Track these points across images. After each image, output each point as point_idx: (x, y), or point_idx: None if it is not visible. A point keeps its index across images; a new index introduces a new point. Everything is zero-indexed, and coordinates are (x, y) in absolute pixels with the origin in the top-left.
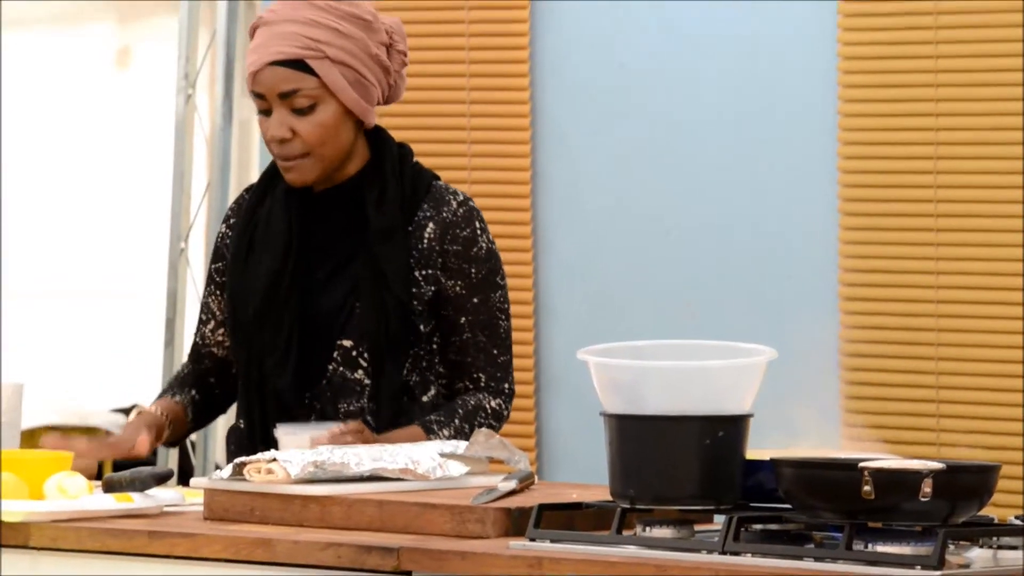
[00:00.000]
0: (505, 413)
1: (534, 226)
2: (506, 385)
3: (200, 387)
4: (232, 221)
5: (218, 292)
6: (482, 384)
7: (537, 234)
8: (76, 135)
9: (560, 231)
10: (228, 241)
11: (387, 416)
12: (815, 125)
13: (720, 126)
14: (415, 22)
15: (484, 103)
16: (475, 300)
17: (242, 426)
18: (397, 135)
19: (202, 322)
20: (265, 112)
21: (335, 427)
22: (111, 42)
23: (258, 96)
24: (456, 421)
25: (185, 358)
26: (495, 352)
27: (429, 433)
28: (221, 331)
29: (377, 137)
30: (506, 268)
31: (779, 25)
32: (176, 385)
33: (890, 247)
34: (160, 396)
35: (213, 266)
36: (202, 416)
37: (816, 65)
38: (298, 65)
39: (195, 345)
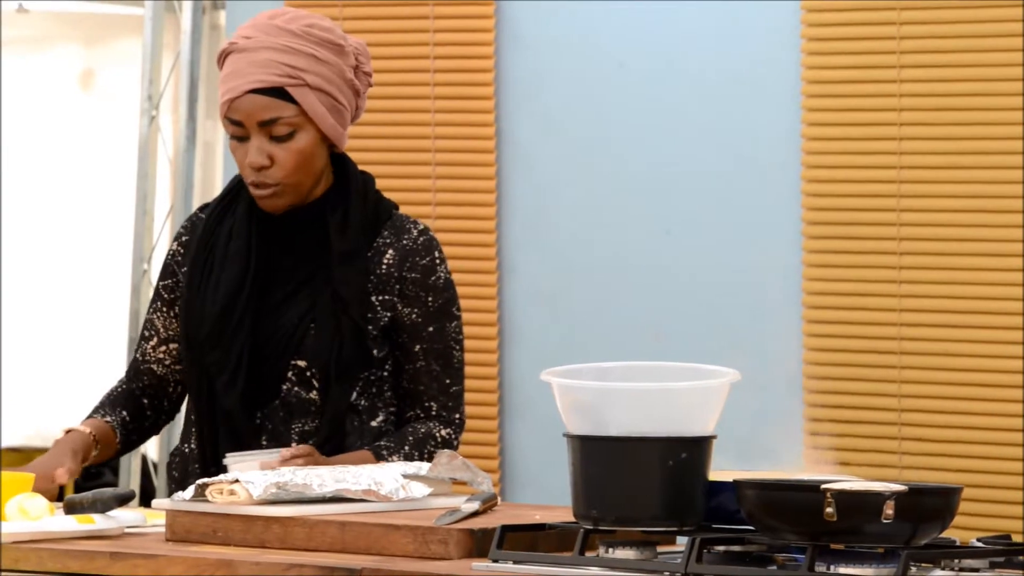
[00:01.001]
0: (455, 443)
1: (499, 248)
2: (457, 416)
3: (132, 408)
4: (185, 239)
5: (164, 309)
6: (433, 413)
7: (502, 256)
8: (40, 157)
9: (525, 253)
10: (179, 259)
11: (330, 437)
12: (779, 152)
13: (685, 151)
14: (379, 44)
15: (449, 125)
16: (431, 329)
17: (186, 450)
18: (361, 156)
19: (144, 338)
20: (240, 139)
21: (285, 451)
22: (75, 64)
23: (234, 123)
24: (406, 448)
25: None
26: (448, 382)
27: (378, 458)
28: (163, 349)
29: (340, 161)
30: (471, 290)
31: (742, 52)
32: (108, 404)
33: (853, 270)
34: (91, 415)
35: (161, 283)
36: (131, 438)
37: (779, 90)
38: (278, 93)
39: (135, 361)
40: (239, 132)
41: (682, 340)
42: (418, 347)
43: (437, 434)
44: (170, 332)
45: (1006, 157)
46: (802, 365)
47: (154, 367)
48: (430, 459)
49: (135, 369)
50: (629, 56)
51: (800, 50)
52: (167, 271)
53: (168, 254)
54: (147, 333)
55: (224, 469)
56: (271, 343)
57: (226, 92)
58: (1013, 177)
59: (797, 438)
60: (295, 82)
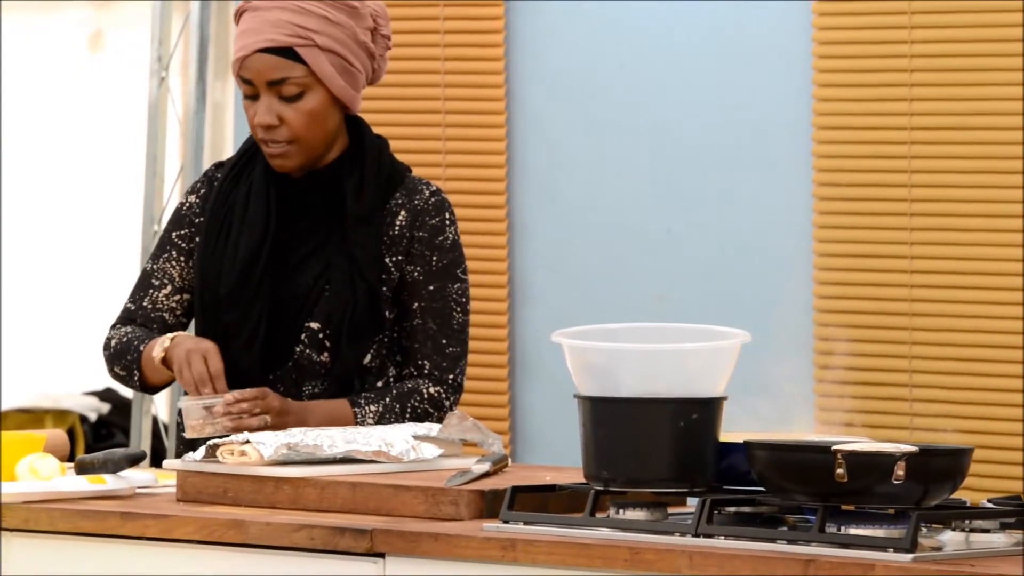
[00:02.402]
0: (446, 403)
1: (509, 210)
2: (451, 376)
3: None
4: (203, 192)
5: (182, 259)
6: (426, 371)
7: (512, 219)
8: (49, 119)
9: (535, 217)
10: (196, 211)
11: (338, 397)
12: (789, 111)
13: (695, 117)
14: (390, 4)
15: (459, 87)
16: (431, 287)
17: None
18: (371, 118)
19: (154, 287)
20: (251, 97)
21: (228, 395)
22: (84, 26)
23: (245, 82)
24: (387, 399)
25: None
26: (444, 342)
27: (355, 407)
28: (176, 298)
29: (355, 125)
30: (481, 251)
31: (755, 23)
32: (149, 338)
33: (864, 231)
34: (150, 339)
35: (176, 232)
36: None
37: (790, 62)
38: (287, 53)
39: (143, 310)
40: (250, 91)
41: (693, 302)
42: (416, 304)
43: (424, 390)
44: (186, 282)
45: (1019, 122)
46: (812, 327)
47: (165, 315)
48: (413, 414)
49: (145, 316)
50: (639, 24)
51: (812, 25)
52: (182, 222)
53: (182, 204)
54: (157, 282)
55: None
56: (286, 305)
57: (238, 50)
58: (1018, 138)
59: (808, 399)
60: (304, 42)
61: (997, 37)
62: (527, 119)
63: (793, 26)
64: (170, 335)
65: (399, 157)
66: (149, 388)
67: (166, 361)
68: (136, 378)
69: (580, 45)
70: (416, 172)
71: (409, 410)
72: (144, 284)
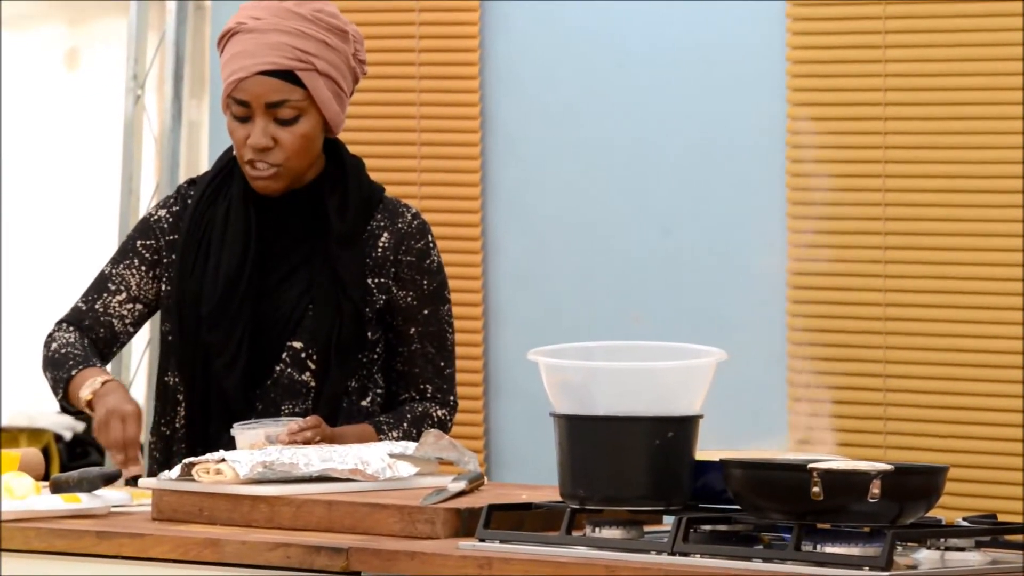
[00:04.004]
0: (449, 424)
1: (483, 229)
2: (451, 397)
3: (102, 359)
4: (175, 209)
5: (144, 269)
6: (428, 395)
7: (487, 238)
8: (25, 136)
9: (509, 236)
10: (164, 226)
11: (326, 418)
12: (763, 129)
13: (669, 135)
14: (366, 24)
15: (434, 105)
16: (425, 312)
17: (166, 431)
18: (346, 136)
19: (108, 291)
20: (242, 119)
21: (292, 424)
22: (60, 43)
23: (240, 103)
24: (405, 424)
25: (139, 358)
26: (442, 364)
27: (379, 432)
28: (129, 306)
29: (332, 145)
30: (456, 270)
31: (728, 31)
32: (91, 356)
33: (838, 250)
34: (88, 365)
35: (140, 242)
36: None
37: (764, 71)
38: (287, 76)
39: (94, 312)
40: (243, 112)
41: (667, 320)
42: (413, 329)
43: (434, 414)
44: (142, 292)
45: (995, 137)
46: (786, 344)
47: (115, 322)
48: None
49: (94, 319)
50: (611, 38)
51: (786, 29)
52: (148, 232)
53: (151, 216)
54: (113, 287)
55: (214, 446)
56: (269, 324)
57: (234, 72)
58: (1001, 157)
59: (782, 417)
60: (305, 66)
61: (972, 42)
62: (501, 139)
63: (766, 40)
64: (101, 378)
65: (375, 175)
66: (70, 411)
67: (90, 404)
68: (60, 396)
69: (555, 65)
70: (391, 190)
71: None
72: (99, 287)
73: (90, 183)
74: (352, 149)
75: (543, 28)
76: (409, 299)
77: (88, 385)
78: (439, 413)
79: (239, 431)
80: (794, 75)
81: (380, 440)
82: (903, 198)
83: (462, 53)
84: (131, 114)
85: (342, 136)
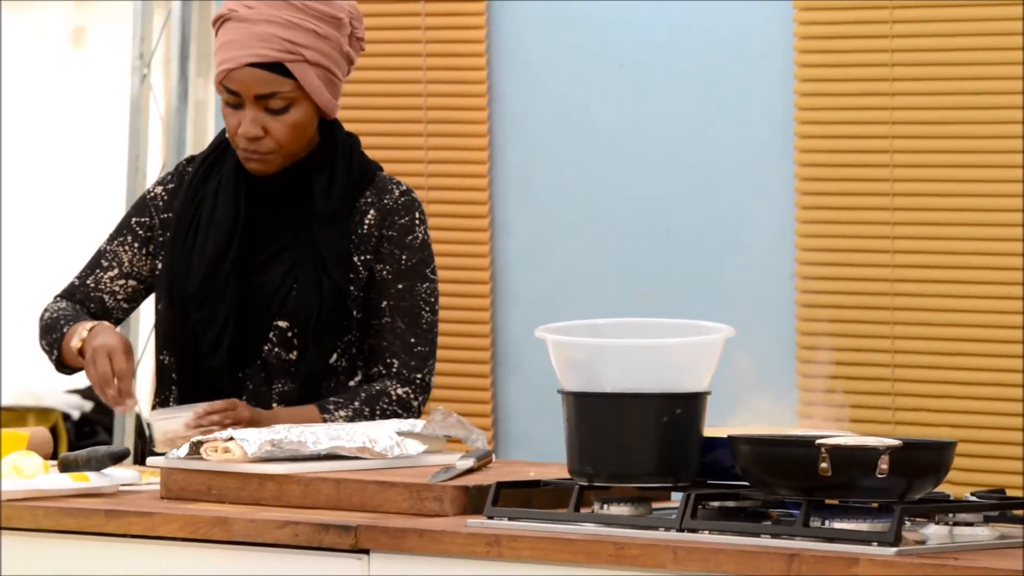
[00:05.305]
0: (414, 403)
1: (491, 208)
2: (419, 376)
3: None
4: (171, 187)
5: (136, 245)
6: (393, 371)
7: (494, 216)
8: (31, 115)
9: (517, 214)
10: (160, 203)
11: (306, 397)
12: (771, 113)
13: (677, 115)
14: (370, 14)
15: (441, 83)
16: (400, 286)
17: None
18: (353, 114)
19: (101, 267)
20: (234, 106)
21: (200, 407)
22: (67, 22)
23: (230, 92)
24: (356, 403)
25: (147, 344)
26: (412, 341)
27: (324, 413)
28: (121, 282)
29: (327, 123)
30: (464, 248)
31: (736, 22)
32: (80, 316)
33: (846, 226)
34: (78, 320)
35: (135, 219)
36: None
37: (772, 61)
38: (276, 67)
39: (85, 287)
40: (234, 100)
41: (675, 298)
42: (385, 303)
43: (392, 392)
44: (135, 269)
45: (998, 126)
46: (795, 321)
47: (105, 297)
48: (382, 416)
49: (84, 294)
50: (619, 20)
51: (792, 19)
52: (144, 209)
53: (148, 193)
54: (106, 263)
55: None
56: (254, 303)
57: (224, 62)
58: (1005, 133)
59: (791, 393)
60: (294, 58)
61: (977, 31)
62: (509, 117)
63: (774, 26)
64: (89, 324)
65: (380, 156)
66: (66, 369)
67: (81, 351)
68: (55, 357)
69: (562, 44)
70: (398, 171)
71: (379, 412)
72: (93, 263)
73: (96, 162)
74: (358, 127)
75: (551, 8)
76: (385, 272)
77: (77, 335)
78: (400, 391)
79: (155, 419)
80: (802, 51)
81: (324, 420)
82: (910, 174)
83: (469, 31)
84: (137, 93)
85: (351, 117)
